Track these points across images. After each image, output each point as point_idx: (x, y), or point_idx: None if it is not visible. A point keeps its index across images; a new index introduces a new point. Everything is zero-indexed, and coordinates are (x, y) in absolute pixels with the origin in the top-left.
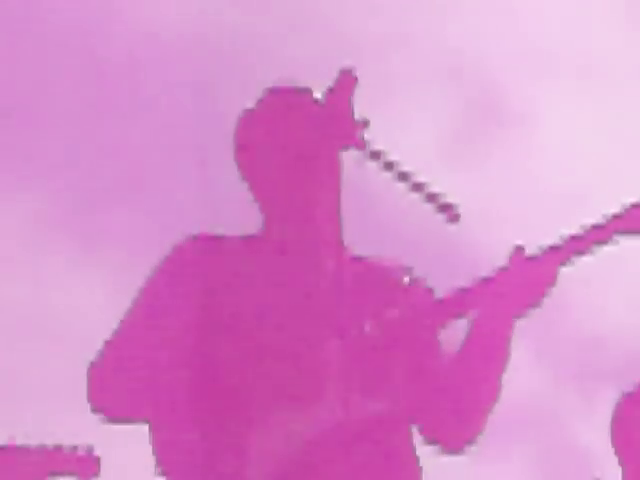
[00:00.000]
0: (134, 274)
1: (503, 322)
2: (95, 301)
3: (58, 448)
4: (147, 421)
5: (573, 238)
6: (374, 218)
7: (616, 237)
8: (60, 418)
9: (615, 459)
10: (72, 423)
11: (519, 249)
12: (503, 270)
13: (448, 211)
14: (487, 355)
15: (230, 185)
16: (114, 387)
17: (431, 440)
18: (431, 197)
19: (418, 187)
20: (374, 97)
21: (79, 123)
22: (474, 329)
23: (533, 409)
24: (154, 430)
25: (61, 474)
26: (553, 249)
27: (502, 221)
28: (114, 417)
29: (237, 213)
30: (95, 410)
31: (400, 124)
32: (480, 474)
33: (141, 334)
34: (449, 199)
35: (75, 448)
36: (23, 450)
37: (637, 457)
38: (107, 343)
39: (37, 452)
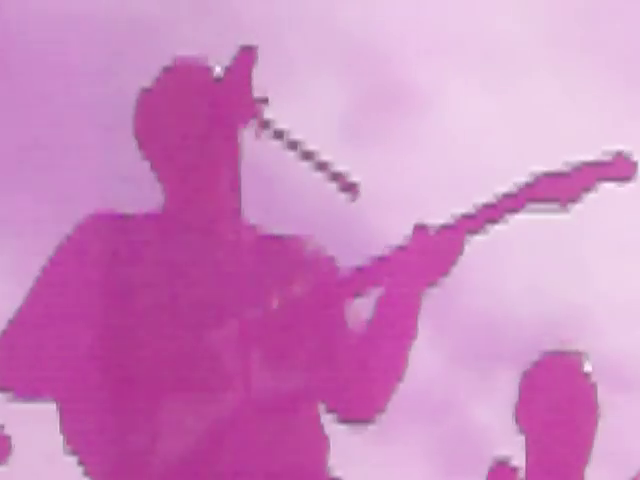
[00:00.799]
0: (36, 260)
1: (409, 297)
2: None
3: None
4: (54, 400)
5: (476, 211)
6: (274, 196)
7: (517, 210)
8: None
9: (513, 439)
10: None
11: (421, 225)
12: (406, 245)
13: (350, 189)
14: (394, 330)
15: (131, 165)
16: (18, 367)
17: (336, 413)
18: (333, 175)
19: (320, 166)
20: (273, 78)
21: None
22: (381, 304)
23: (431, 391)
24: (61, 409)
25: None
26: (456, 222)
27: (401, 202)
28: (20, 396)
29: (140, 194)
30: (1, 389)
31: (301, 105)
32: (381, 455)
33: (44, 312)
34: (350, 177)
35: None
36: None
37: (541, 434)
38: (10, 322)
39: None
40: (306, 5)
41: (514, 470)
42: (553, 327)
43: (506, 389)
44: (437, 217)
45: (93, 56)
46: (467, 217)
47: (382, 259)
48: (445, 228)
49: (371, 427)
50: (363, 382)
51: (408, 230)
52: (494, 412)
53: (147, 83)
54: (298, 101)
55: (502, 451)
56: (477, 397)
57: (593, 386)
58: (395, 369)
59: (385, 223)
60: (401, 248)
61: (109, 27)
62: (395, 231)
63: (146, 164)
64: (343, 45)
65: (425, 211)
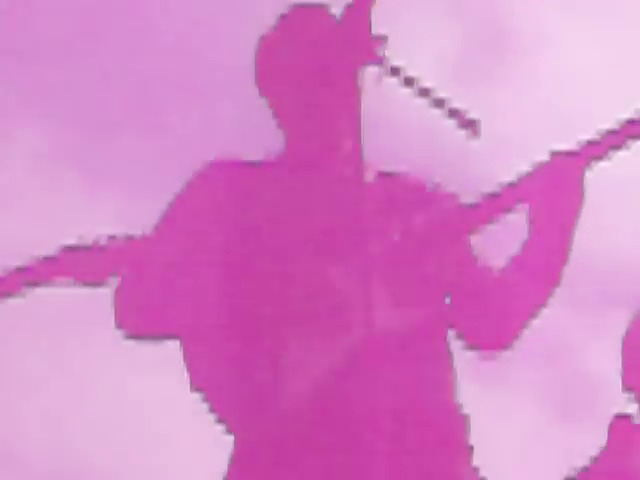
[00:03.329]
0: (141, 205)
1: (558, 213)
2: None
3: None
4: (179, 338)
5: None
6: (394, 134)
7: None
8: None
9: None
10: None
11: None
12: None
13: (470, 126)
14: (548, 251)
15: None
16: (145, 307)
17: (465, 339)
18: (452, 112)
19: (439, 103)
20: (387, 20)
21: (80, 57)
22: (532, 224)
23: (543, 336)
24: (186, 348)
25: None
26: (581, 149)
27: (510, 141)
28: (145, 335)
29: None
30: (127, 332)
31: (413, 46)
32: (493, 398)
33: (169, 254)
34: (469, 115)
35: None
36: None
37: None
38: (132, 266)
39: None
40: None
41: (637, 427)
42: None
43: (619, 333)
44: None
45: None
46: (590, 144)
47: (509, 187)
48: (568, 154)
49: (486, 369)
50: (502, 310)
51: (519, 167)
52: (607, 357)
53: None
54: (410, 42)
55: (614, 397)
56: (590, 342)
57: None
58: (538, 298)
59: (494, 161)
60: (529, 175)
61: None
62: (505, 169)
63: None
64: None
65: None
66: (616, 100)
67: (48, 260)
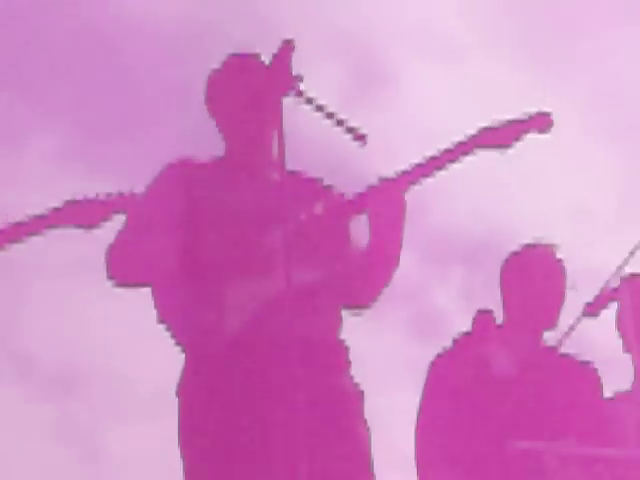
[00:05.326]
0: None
1: (387, 219)
2: None
3: None
4: (151, 284)
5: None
6: (303, 148)
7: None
8: None
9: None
10: None
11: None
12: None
13: (360, 138)
14: (390, 235)
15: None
16: (128, 259)
17: (346, 303)
18: (349, 129)
19: (339, 122)
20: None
21: (85, 70)
22: (370, 224)
23: (406, 282)
24: (155, 290)
25: None
26: (425, 161)
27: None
28: (128, 283)
29: (208, 143)
30: (115, 281)
31: (314, 81)
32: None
33: (147, 222)
34: (361, 130)
35: None
36: None
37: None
38: (119, 232)
39: None
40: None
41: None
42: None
43: (460, 282)
44: (411, 160)
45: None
46: (432, 159)
47: (372, 187)
48: (417, 165)
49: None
50: (369, 272)
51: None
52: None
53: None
54: (315, 79)
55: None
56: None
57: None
58: (391, 263)
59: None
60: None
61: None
62: (379, 171)
63: (212, 126)
64: (337, 39)
65: (403, 156)
66: (462, 115)
67: (55, 209)
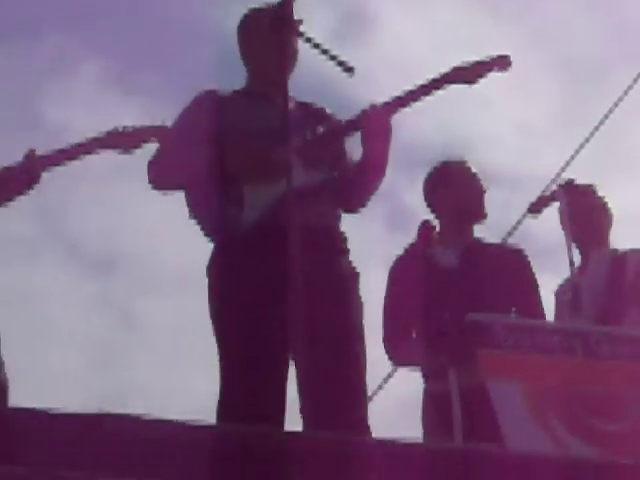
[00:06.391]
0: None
1: (381, 132)
2: None
3: None
4: (182, 188)
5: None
6: (304, 77)
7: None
8: None
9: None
10: None
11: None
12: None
13: (349, 70)
14: (379, 151)
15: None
16: (165, 169)
17: (343, 204)
18: (340, 62)
19: (332, 57)
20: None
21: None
22: (363, 142)
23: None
24: (187, 193)
25: None
26: (404, 94)
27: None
28: (165, 187)
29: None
30: (154, 185)
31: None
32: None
33: (178, 138)
34: (349, 63)
35: None
36: None
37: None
38: (158, 147)
39: None
40: None
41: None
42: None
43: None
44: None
45: None
46: (411, 92)
47: (365, 112)
48: (397, 97)
49: None
50: (361, 180)
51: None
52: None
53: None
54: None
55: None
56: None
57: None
58: (379, 174)
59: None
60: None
61: None
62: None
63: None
64: None
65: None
66: (435, 56)
67: (99, 137)
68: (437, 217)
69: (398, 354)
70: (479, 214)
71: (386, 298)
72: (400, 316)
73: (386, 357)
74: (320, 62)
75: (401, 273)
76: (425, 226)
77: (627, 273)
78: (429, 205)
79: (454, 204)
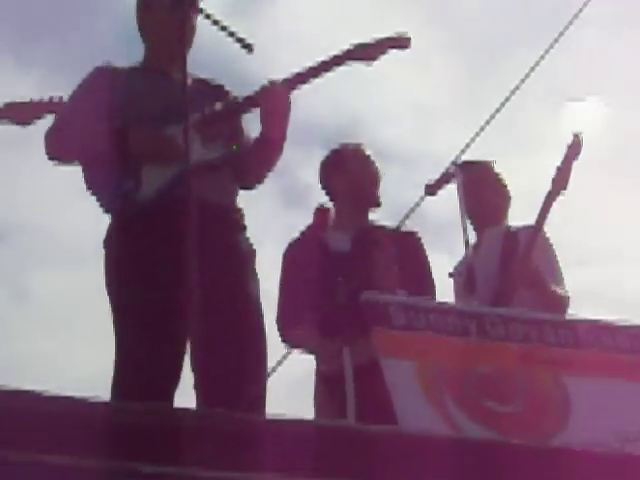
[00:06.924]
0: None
1: (273, 114)
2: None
3: None
4: (79, 161)
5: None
6: (202, 54)
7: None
8: None
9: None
10: None
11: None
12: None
13: (248, 47)
14: (277, 128)
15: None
16: (63, 142)
17: (240, 180)
18: (239, 39)
19: (231, 33)
20: None
21: None
22: (261, 120)
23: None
24: (85, 168)
25: None
26: (304, 70)
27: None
28: (63, 160)
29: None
30: (51, 158)
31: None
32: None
33: (76, 113)
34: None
35: None
36: None
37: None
38: (55, 120)
39: None
40: None
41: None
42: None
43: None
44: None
45: None
46: (311, 68)
47: (263, 89)
48: (300, 73)
49: None
50: (258, 156)
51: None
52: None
53: None
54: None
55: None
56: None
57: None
58: (276, 151)
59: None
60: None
61: None
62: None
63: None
64: None
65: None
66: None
67: None
68: (332, 200)
69: (291, 336)
70: (373, 200)
71: (281, 281)
72: (294, 299)
73: (279, 338)
74: (219, 38)
75: (296, 256)
76: (320, 210)
77: (519, 252)
78: (324, 188)
79: (349, 189)
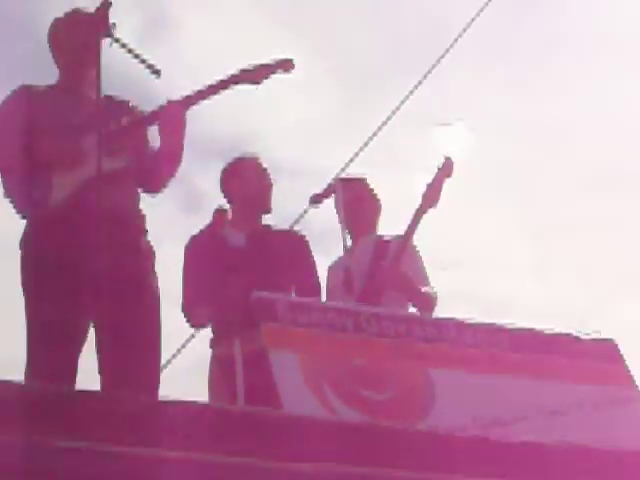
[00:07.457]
0: None
1: (175, 124)
2: None
3: None
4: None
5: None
6: (113, 76)
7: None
8: None
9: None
10: None
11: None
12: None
13: (156, 72)
14: (174, 141)
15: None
16: None
17: (143, 186)
18: (149, 65)
19: (142, 60)
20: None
21: None
22: (160, 134)
23: None
24: (2, 176)
25: None
26: (201, 90)
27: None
28: None
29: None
30: None
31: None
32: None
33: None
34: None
35: None
36: None
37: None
38: None
39: None
40: None
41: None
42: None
43: (217, 172)
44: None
45: None
46: (203, 90)
47: (162, 107)
48: (194, 93)
49: None
50: (159, 166)
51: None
52: (211, 183)
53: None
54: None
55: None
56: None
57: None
58: (175, 161)
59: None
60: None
61: None
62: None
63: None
64: None
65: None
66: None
67: None
68: (229, 203)
69: (197, 319)
70: (265, 205)
71: (184, 272)
72: (197, 286)
73: (187, 324)
74: (131, 62)
75: (196, 250)
76: (219, 211)
77: (388, 258)
78: (223, 192)
79: (244, 194)
